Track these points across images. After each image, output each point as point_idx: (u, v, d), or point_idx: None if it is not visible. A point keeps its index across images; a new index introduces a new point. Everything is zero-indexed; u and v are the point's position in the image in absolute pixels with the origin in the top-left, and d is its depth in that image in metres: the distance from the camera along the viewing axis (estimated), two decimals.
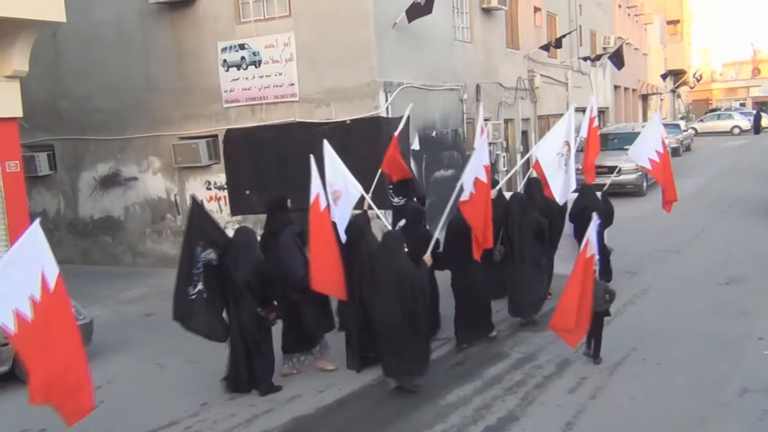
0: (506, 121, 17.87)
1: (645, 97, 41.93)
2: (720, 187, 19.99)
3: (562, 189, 9.47)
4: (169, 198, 14.15)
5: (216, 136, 13.38)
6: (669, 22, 51.76)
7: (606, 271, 9.91)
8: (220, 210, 13.65)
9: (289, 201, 9.00)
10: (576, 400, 6.82)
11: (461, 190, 7.90)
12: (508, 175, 13.26)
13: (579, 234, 9.28)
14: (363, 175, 11.50)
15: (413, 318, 6.99)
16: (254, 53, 12.79)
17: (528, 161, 11.43)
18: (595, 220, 7.36)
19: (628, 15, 35.95)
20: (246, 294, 7.09)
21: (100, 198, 14.75)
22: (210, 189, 13.71)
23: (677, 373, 7.31)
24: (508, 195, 9.57)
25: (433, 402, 6.96)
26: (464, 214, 7.87)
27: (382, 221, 8.44)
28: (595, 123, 10.61)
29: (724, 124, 44.30)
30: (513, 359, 8.03)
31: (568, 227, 10.00)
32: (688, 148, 33.31)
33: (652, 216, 14.90)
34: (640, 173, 17.98)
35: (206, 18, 13.19)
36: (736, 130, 43.08)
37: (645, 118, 40.38)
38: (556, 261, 9.77)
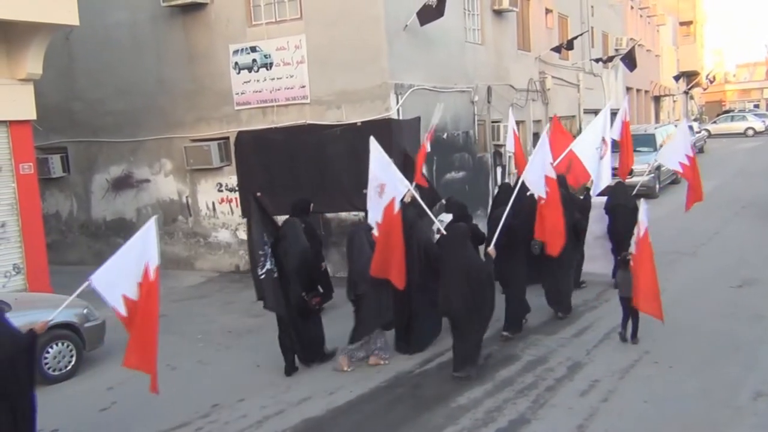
0: (517, 123, 17.76)
1: (657, 99, 41.74)
2: (733, 189, 19.84)
3: (597, 181, 10.17)
4: (181, 200, 14.22)
5: (227, 138, 13.43)
6: (682, 24, 51.50)
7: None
8: (231, 212, 13.70)
9: (312, 205, 9.80)
10: (588, 403, 6.78)
11: (522, 190, 8.61)
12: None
13: (613, 227, 10.38)
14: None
15: (479, 309, 7.49)
16: (265, 56, 12.83)
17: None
18: (643, 204, 8.14)
19: (641, 16, 35.80)
20: (295, 279, 7.84)
21: (113, 200, 14.84)
22: (221, 191, 13.76)
23: (690, 376, 7.26)
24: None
25: (444, 404, 6.95)
26: (543, 214, 8.55)
27: (428, 216, 8.81)
28: (627, 118, 11.59)
29: (738, 126, 43.94)
30: (524, 362, 8.00)
31: (599, 230, 10.58)
32: (701, 150, 33.04)
33: (665, 218, 14.81)
34: (652, 175, 17.88)
35: (218, 21, 13.25)
36: (750, 132, 42.71)
37: (657, 120, 40.18)
38: (587, 261, 10.54)
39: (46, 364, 8.06)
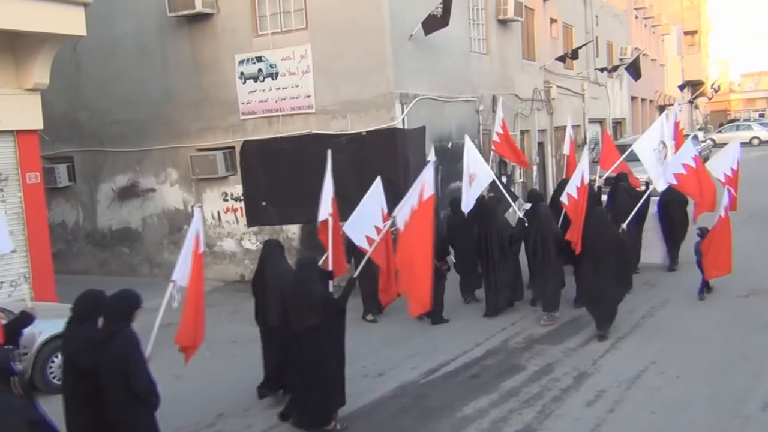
0: (522, 133, 17.83)
1: (662, 108, 41.63)
2: (739, 199, 19.72)
3: (657, 178, 11.09)
4: (186, 209, 14.23)
5: (233, 147, 13.47)
6: (686, 33, 51.51)
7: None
8: (236, 221, 13.72)
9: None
10: (594, 414, 6.75)
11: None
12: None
13: (664, 219, 11.97)
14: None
15: (620, 279, 9.19)
16: (271, 65, 12.88)
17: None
18: (725, 194, 9.98)
19: (645, 26, 35.83)
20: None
21: (119, 209, 14.88)
22: (227, 200, 13.78)
23: (697, 386, 7.22)
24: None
25: (450, 414, 6.93)
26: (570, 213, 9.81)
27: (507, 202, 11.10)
28: (680, 127, 13.36)
29: (743, 135, 43.75)
30: (530, 372, 7.97)
31: (651, 221, 11.80)
32: (706, 159, 32.99)
33: None
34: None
35: (224, 31, 13.31)
36: (755, 141, 42.59)
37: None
38: (643, 251, 11.66)
39: (51, 373, 8.07)
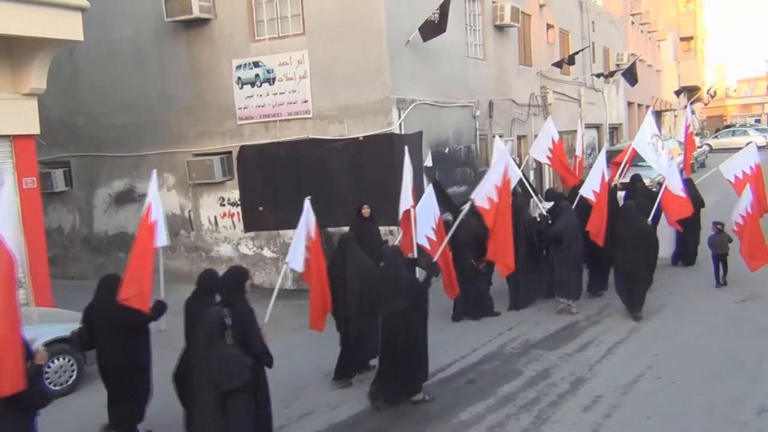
0: (519, 138, 17.86)
1: (659, 114, 41.79)
2: (735, 204, 19.76)
3: (658, 165, 12.25)
4: (183, 214, 14.23)
5: (230, 152, 13.47)
6: (682, 39, 51.66)
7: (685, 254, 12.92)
8: (233, 226, 13.71)
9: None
10: (591, 419, 6.75)
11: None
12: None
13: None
14: (376, 190, 11.61)
15: (650, 264, 10.28)
16: (268, 71, 12.90)
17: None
18: (748, 190, 10.71)
19: (642, 32, 35.94)
20: (466, 249, 9.87)
21: (115, 214, 14.86)
22: (224, 205, 13.78)
23: (693, 391, 7.22)
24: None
25: (447, 420, 6.92)
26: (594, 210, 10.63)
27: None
28: (691, 129, 14.18)
29: (739, 141, 43.80)
30: (526, 377, 7.97)
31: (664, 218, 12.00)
32: (702, 165, 33.04)
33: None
34: (655, 189, 17.94)
35: (221, 36, 13.33)
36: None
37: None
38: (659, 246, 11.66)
39: (48, 378, 8.04)
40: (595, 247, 10.54)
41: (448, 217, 10.10)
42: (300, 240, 7.19)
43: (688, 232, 12.43)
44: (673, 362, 8.09)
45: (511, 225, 9.31)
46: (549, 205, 11.56)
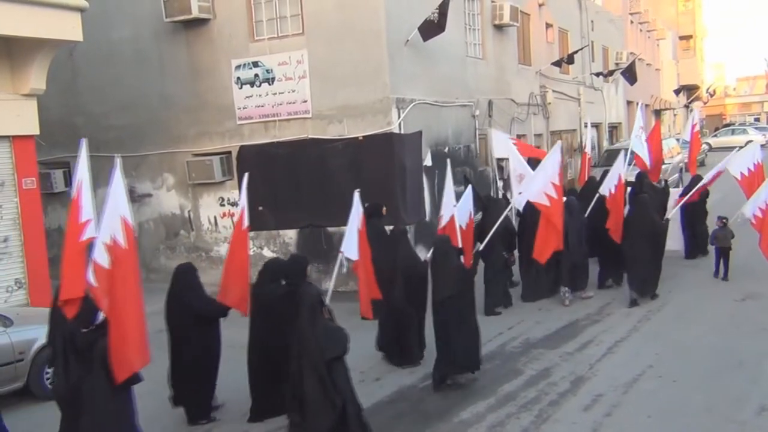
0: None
1: (658, 113, 41.80)
2: (735, 203, 19.70)
3: (645, 155, 13.55)
4: (183, 214, 14.23)
5: (230, 152, 13.47)
6: (682, 38, 51.67)
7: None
8: (233, 226, 13.66)
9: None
10: (591, 418, 6.75)
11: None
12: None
13: (686, 210, 12.82)
14: (376, 190, 11.61)
15: (657, 252, 10.85)
16: (268, 71, 12.90)
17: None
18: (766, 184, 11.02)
19: (641, 31, 35.94)
20: (498, 242, 10.12)
21: None
22: (223, 205, 13.78)
23: (694, 390, 7.23)
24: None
25: (447, 419, 6.92)
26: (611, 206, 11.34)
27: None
28: (697, 128, 14.84)
29: (739, 139, 43.81)
30: (527, 376, 7.97)
31: (673, 211, 12.39)
32: (702, 163, 33.03)
33: None
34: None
35: (221, 36, 13.33)
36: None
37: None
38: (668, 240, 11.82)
39: (48, 379, 8.03)
40: (610, 241, 11.05)
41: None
42: (353, 230, 7.64)
43: (696, 223, 13.01)
44: (673, 361, 8.10)
45: (562, 221, 10.10)
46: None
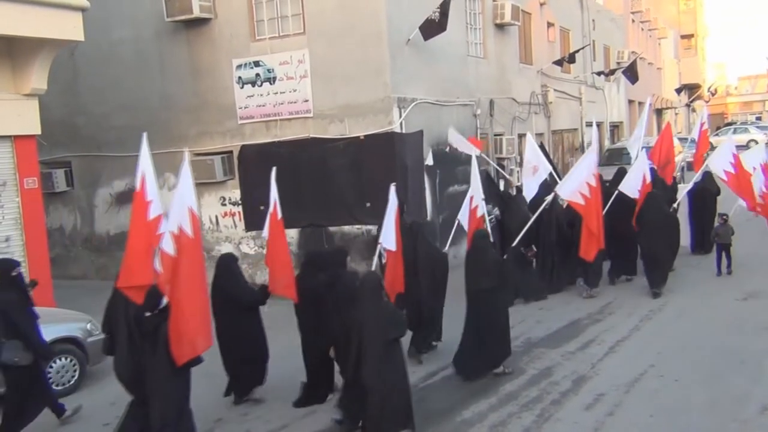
0: (520, 136, 17.83)
1: (659, 112, 41.77)
2: (738, 202, 19.76)
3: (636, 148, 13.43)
4: None
5: (231, 152, 13.47)
6: (683, 37, 51.60)
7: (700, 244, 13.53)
8: (234, 225, 13.72)
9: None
10: (593, 417, 6.74)
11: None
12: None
13: (694, 207, 13.40)
14: (376, 189, 11.61)
15: (672, 247, 11.41)
16: (269, 70, 12.90)
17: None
18: (760, 173, 11.58)
19: (642, 30, 35.90)
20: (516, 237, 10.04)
21: (116, 214, 14.86)
22: (225, 205, 13.79)
23: (696, 389, 7.22)
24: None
25: (449, 418, 6.92)
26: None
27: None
28: (705, 126, 14.65)
29: (740, 138, 43.77)
30: (529, 375, 7.96)
31: (682, 207, 12.82)
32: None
33: None
34: None
35: (222, 36, 13.33)
36: (752, 144, 42.66)
37: (659, 132, 40.16)
38: None
39: (50, 378, 8.03)
40: (624, 236, 11.24)
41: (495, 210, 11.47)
42: (390, 221, 7.88)
43: (706, 220, 13.20)
44: (675, 360, 8.09)
45: (602, 219, 10.27)
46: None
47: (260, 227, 13.30)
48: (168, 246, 5.90)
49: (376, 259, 8.04)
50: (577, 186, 10.04)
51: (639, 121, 14.47)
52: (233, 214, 13.69)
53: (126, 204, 14.72)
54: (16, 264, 7.27)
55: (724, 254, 11.84)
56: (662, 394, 7.18)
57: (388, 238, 7.88)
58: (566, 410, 6.95)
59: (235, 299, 7.36)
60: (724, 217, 11.94)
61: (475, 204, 9.52)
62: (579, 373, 7.89)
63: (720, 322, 9.45)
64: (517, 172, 17.15)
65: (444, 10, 12.34)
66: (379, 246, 8.04)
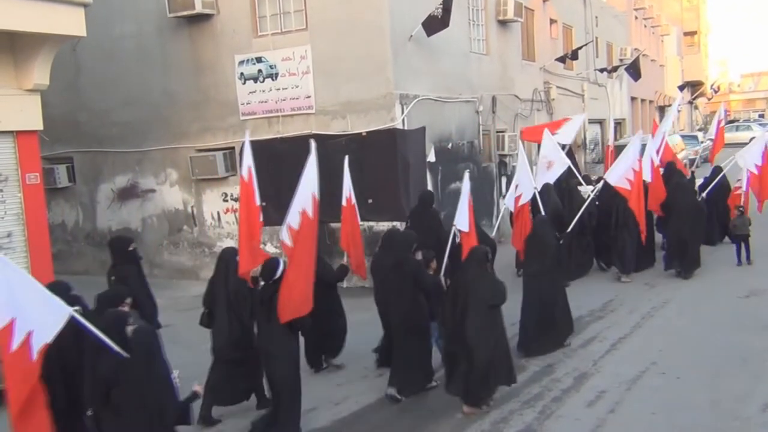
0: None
1: (662, 109, 41.69)
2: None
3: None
4: (186, 210, 14.24)
5: (233, 148, 13.46)
6: (686, 34, 51.49)
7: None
8: (236, 221, 13.69)
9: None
10: (595, 414, 6.74)
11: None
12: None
13: (710, 199, 13.35)
14: (379, 186, 11.61)
15: (698, 233, 11.74)
16: (271, 66, 12.88)
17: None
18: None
19: (645, 26, 35.82)
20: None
21: (118, 210, 14.87)
22: (227, 201, 13.78)
23: (697, 387, 7.22)
24: None
25: (450, 415, 6.92)
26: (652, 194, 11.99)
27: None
28: (722, 124, 15.91)
29: (743, 136, 43.58)
30: (530, 372, 7.96)
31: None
32: (706, 160, 33.00)
33: None
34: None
35: (224, 32, 13.31)
36: None
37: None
38: None
39: None
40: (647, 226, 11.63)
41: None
42: (464, 204, 8.29)
43: (721, 213, 13.58)
44: (677, 358, 8.08)
45: (644, 204, 11.05)
46: (589, 188, 12.64)
47: (262, 223, 13.38)
48: (294, 221, 6.76)
49: (450, 240, 8.33)
50: (623, 172, 10.75)
51: (665, 119, 15.01)
52: (235, 210, 13.66)
53: (128, 200, 14.76)
54: (131, 240, 8.31)
55: (743, 245, 12.22)
56: (664, 391, 7.17)
57: (462, 219, 8.31)
58: (568, 407, 6.95)
59: (318, 277, 7.71)
60: (741, 208, 12.28)
61: (519, 192, 10.30)
62: (580, 370, 7.89)
63: (722, 319, 9.44)
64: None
65: (447, 6, 12.30)
66: (453, 228, 8.46)
